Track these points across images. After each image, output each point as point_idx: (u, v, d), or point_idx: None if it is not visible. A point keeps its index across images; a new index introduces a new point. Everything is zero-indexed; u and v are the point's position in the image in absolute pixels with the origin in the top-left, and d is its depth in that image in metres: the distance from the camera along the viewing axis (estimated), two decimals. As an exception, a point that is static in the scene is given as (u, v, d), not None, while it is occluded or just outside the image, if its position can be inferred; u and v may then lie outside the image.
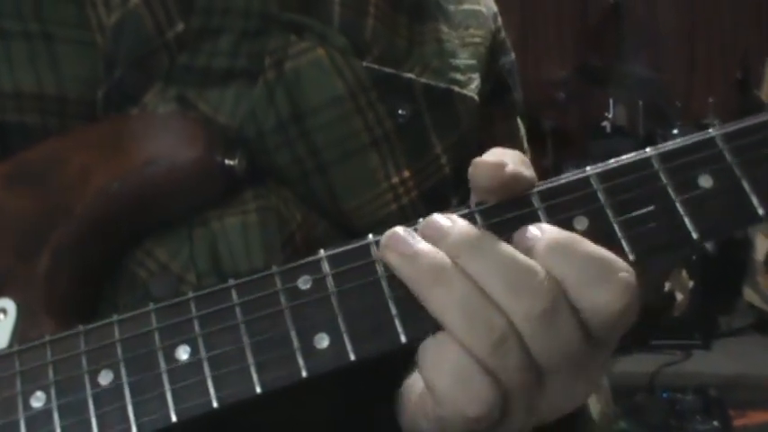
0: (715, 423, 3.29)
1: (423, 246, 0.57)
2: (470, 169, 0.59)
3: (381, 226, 0.59)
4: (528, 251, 0.57)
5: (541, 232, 0.57)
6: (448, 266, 0.56)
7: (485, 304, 0.55)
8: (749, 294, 4.06)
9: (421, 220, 0.59)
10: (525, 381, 0.56)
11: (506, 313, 0.55)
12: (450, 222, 0.58)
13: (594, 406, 0.76)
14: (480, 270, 0.56)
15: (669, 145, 0.59)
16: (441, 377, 0.56)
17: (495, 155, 0.60)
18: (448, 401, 0.55)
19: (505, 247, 0.56)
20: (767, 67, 3.90)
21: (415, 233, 0.58)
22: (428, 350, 0.56)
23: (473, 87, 0.79)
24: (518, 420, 0.58)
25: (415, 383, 0.60)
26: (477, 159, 0.59)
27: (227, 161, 0.67)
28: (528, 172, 0.60)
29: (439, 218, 0.58)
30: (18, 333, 0.63)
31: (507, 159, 0.59)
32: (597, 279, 0.55)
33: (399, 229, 0.58)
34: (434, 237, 0.58)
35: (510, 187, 0.59)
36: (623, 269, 0.56)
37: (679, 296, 3.87)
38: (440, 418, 0.57)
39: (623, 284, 0.55)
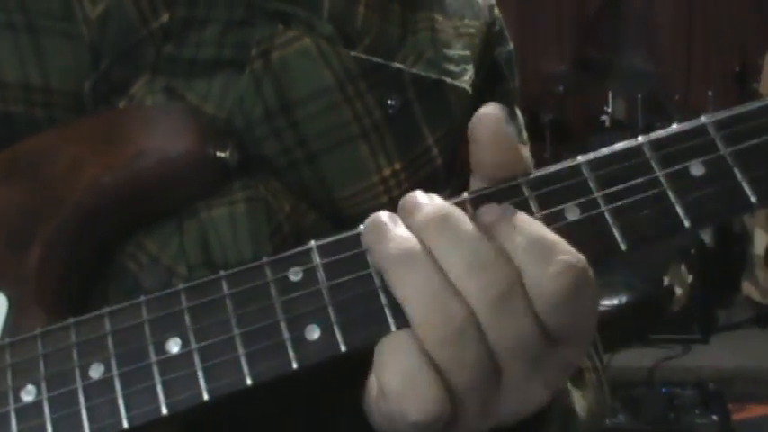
0: (714, 417, 3.30)
1: (397, 230, 0.57)
2: (471, 123, 0.59)
3: None
4: (486, 230, 0.56)
5: (496, 211, 0.57)
6: (415, 250, 0.56)
7: (446, 290, 0.55)
8: (748, 288, 4.06)
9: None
10: (481, 378, 0.55)
11: (465, 297, 0.54)
12: (427, 200, 0.58)
13: (579, 401, 0.75)
14: (443, 248, 0.55)
15: (661, 133, 0.59)
16: (390, 375, 0.55)
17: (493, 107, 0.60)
18: (394, 401, 0.55)
19: (469, 227, 0.56)
20: (765, 59, 3.90)
21: (397, 218, 0.58)
22: (383, 346, 0.56)
23: (466, 79, 0.79)
24: (471, 423, 0.57)
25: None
26: (480, 111, 0.59)
27: (219, 153, 0.67)
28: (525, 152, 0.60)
29: (417, 193, 0.58)
30: (9, 325, 0.62)
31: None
32: (540, 257, 0.55)
33: (382, 214, 0.58)
34: (408, 210, 0.58)
35: (505, 146, 0.59)
36: (567, 252, 0.55)
37: (678, 290, 3.88)
38: (388, 416, 0.56)
39: (564, 265, 0.55)
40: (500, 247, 0.55)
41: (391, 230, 0.57)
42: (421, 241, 0.56)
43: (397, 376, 0.54)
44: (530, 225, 0.56)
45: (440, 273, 0.55)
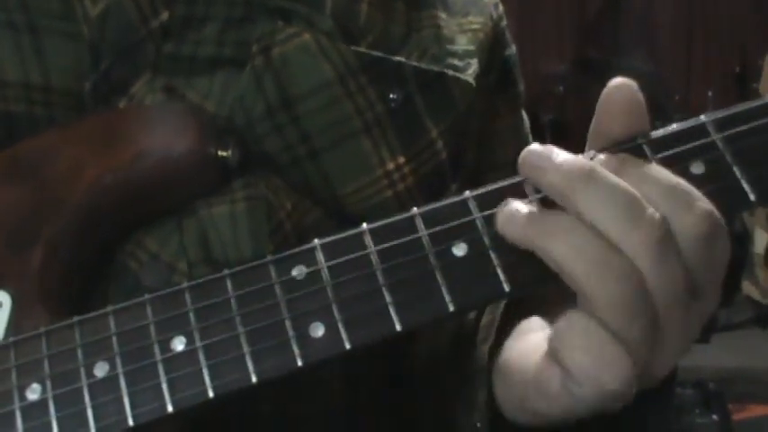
0: (714, 417, 3.29)
1: (539, 210, 0.56)
2: (605, 91, 0.59)
3: (376, 212, 0.59)
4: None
5: (625, 161, 0.56)
6: (563, 219, 0.55)
7: (603, 246, 0.54)
8: (748, 288, 4.05)
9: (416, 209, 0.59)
10: (651, 330, 0.55)
11: (624, 247, 0.54)
12: (561, 155, 0.56)
13: None
14: (594, 206, 0.54)
15: (660, 132, 0.59)
16: (580, 358, 0.54)
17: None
18: (589, 382, 0.54)
19: (615, 179, 0.55)
20: (766, 60, 3.90)
21: (525, 203, 0.57)
22: (561, 331, 0.55)
23: (470, 72, 0.79)
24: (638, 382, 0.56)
25: (523, 361, 0.60)
26: (615, 81, 0.59)
27: (220, 152, 0.67)
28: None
29: (543, 148, 0.57)
30: (13, 325, 0.63)
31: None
32: (681, 204, 0.55)
33: (511, 203, 0.57)
34: (540, 167, 0.56)
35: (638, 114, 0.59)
36: (703, 199, 0.55)
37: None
38: (580, 397, 0.55)
39: (704, 210, 0.55)
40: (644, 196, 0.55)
41: (524, 210, 0.56)
42: (567, 201, 0.55)
43: (588, 357, 0.54)
44: (664, 173, 0.56)
45: (592, 231, 0.54)
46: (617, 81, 0.59)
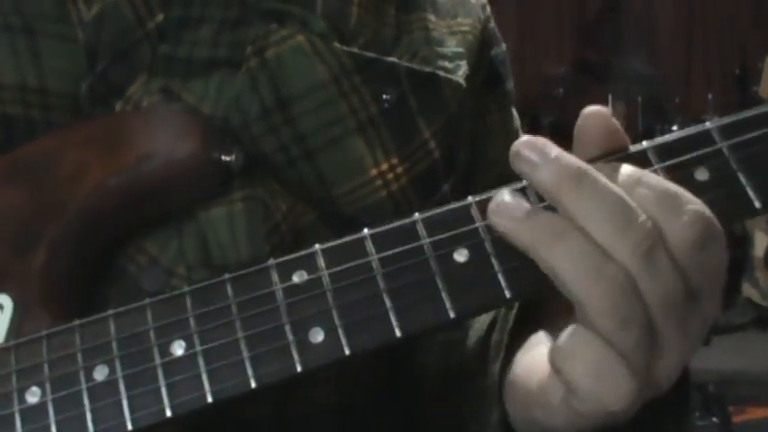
0: (714, 419, 3.29)
1: (534, 209, 0.56)
2: (579, 121, 0.58)
3: (371, 213, 0.59)
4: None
5: (616, 168, 0.56)
6: (561, 224, 0.55)
7: (599, 256, 0.54)
8: (748, 290, 4.06)
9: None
10: (645, 339, 0.54)
11: (615, 254, 0.54)
12: (552, 150, 0.56)
13: None
14: (584, 209, 0.54)
15: (665, 138, 0.59)
16: (580, 375, 0.54)
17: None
18: (591, 399, 0.54)
19: (607, 182, 0.55)
20: (766, 62, 3.90)
21: (521, 197, 0.57)
22: (560, 344, 0.55)
23: (460, 74, 0.79)
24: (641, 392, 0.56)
25: (528, 375, 0.60)
26: (588, 109, 0.58)
27: (223, 157, 0.67)
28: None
29: (539, 142, 0.56)
30: (14, 327, 0.63)
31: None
32: (671, 209, 0.54)
33: (506, 195, 0.57)
34: (533, 163, 0.56)
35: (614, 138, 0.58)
36: (694, 201, 0.55)
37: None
38: (582, 412, 0.55)
39: (694, 214, 0.54)
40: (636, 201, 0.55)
41: (524, 210, 0.56)
42: (557, 202, 0.55)
43: (589, 374, 0.54)
44: (652, 178, 0.56)
45: (588, 238, 0.54)
46: (589, 109, 0.58)
